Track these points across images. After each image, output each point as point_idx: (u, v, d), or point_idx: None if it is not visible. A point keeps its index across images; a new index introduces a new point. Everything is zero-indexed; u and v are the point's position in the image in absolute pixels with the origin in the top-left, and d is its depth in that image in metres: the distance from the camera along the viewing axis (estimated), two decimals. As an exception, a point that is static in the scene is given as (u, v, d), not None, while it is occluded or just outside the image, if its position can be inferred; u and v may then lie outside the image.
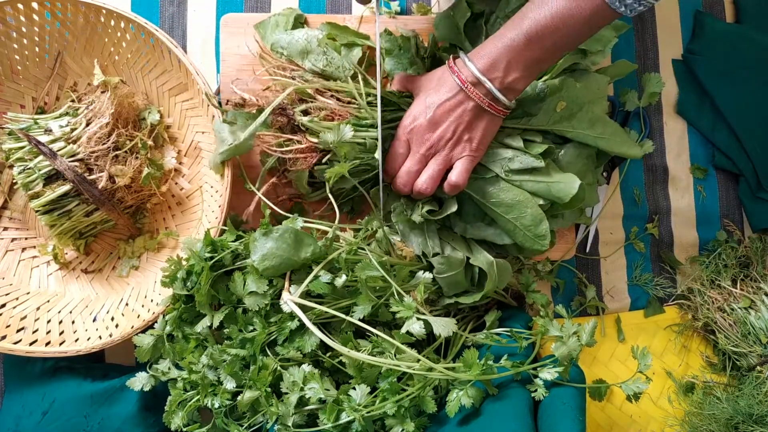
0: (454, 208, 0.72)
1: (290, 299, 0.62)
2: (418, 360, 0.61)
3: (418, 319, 0.61)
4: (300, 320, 0.63)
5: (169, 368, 0.69)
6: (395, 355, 0.62)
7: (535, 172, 0.70)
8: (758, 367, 0.77)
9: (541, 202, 0.70)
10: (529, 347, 0.68)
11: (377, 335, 0.62)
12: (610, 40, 0.77)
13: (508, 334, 0.69)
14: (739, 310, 0.80)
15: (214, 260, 0.65)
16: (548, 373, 0.63)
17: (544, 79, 0.73)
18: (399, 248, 0.74)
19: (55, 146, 0.72)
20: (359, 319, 0.63)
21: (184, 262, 0.68)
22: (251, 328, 0.65)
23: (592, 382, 0.77)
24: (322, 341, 0.65)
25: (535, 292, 0.78)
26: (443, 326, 0.61)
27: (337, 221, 0.68)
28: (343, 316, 0.63)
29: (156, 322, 0.70)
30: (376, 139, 0.69)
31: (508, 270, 0.74)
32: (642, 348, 0.66)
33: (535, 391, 0.64)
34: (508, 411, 0.62)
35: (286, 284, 0.64)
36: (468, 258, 0.73)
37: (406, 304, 0.62)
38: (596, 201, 0.81)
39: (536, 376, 0.64)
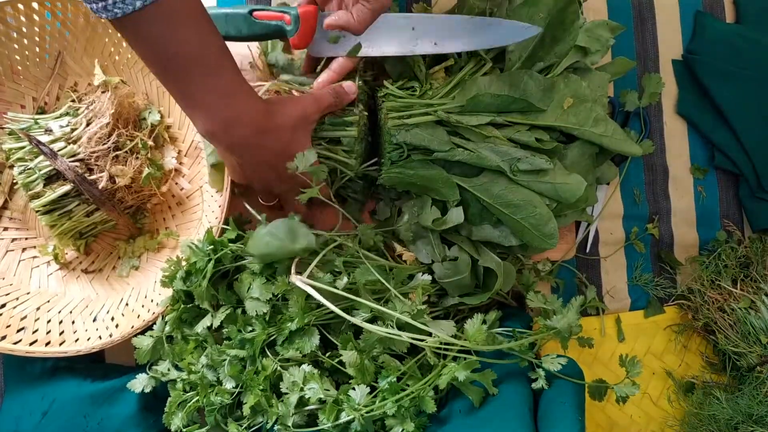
0: (461, 220, 0.72)
1: (299, 279, 0.62)
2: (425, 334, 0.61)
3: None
4: (299, 321, 0.63)
5: (169, 369, 0.69)
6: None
7: (542, 173, 0.70)
8: (758, 368, 0.77)
9: (547, 202, 0.71)
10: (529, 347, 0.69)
11: (381, 309, 0.62)
12: (608, 39, 0.78)
13: (509, 334, 0.69)
14: (739, 311, 0.80)
15: (214, 257, 0.65)
16: (551, 363, 0.63)
17: (549, 75, 0.73)
18: (399, 252, 0.74)
19: (55, 146, 0.72)
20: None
21: (183, 262, 0.68)
22: (250, 328, 0.65)
23: (592, 382, 0.78)
24: (321, 342, 0.65)
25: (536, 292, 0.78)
26: (443, 329, 0.62)
27: (339, 223, 0.67)
28: (345, 316, 0.63)
29: (156, 322, 0.70)
30: (355, 137, 0.69)
31: (513, 272, 0.74)
32: (631, 357, 0.67)
33: (536, 380, 0.64)
34: (508, 411, 0.62)
35: (293, 270, 0.64)
36: (476, 260, 0.73)
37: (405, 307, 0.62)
38: (595, 201, 0.81)
39: (539, 366, 0.64)
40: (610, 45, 0.78)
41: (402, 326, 0.61)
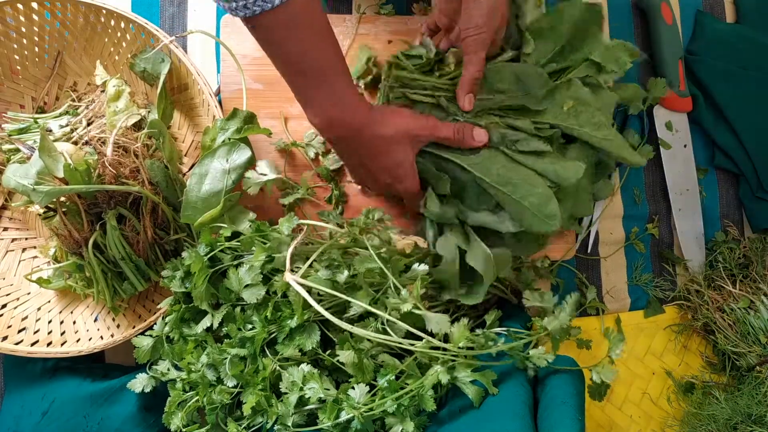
0: (437, 209, 0.73)
1: (293, 278, 0.62)
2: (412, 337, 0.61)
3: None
4: (299, 317, 0.63)
5: (168, 369, 0.69)
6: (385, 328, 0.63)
7: (541, 155, 0.70)
8: (757, 367, 0.77)
9: (548, 183, 0.69)
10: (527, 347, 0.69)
11: (370, 309, 0.63)
12: (625, 62, 0.77)
13: (506, 333, 0.69)
14: (738, 311, 0.80)
15: (209, 255, 0.65)
16: (538, 359, 0.63)
17: (558, 80, 0.73)
18: (397, 239, 0.74)
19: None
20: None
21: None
22: (250, 326, 0.66)
23: (592, 382, 0.77)
24: (321, 340, 0.65)
25: (534, 290, 0.78)
26: (437, 323, 0.61)
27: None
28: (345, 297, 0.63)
29: (157, 322, 0.70)
30: None
31: (507, 259, 0.72)
32: (616, 334, 0.66)
33: (528, 372, 0.65)
34: (508, 411, 0.62)
35: (288, 265, 0.64)
36: (465, 253, 0.72)
37: (402, 297, 0.62)
38: (590, 212, 0.81)
39: (527, 358, 0.65)
40: (627, 69, 0.77)
41: (396, 323, 0.61)
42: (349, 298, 0.63)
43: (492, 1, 0.67)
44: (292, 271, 0.63)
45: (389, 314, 0.61)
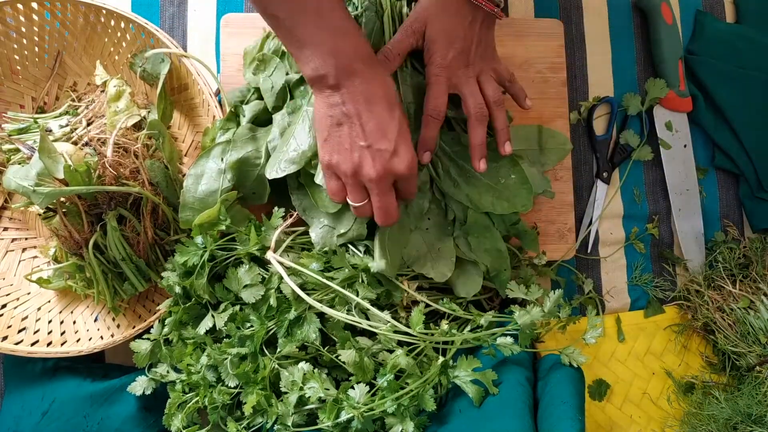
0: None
1: (273, 256, 0.64)
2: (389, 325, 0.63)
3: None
4: (296, 306, 0.64)
5: (168, 371, 0.70)
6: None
7: None
8: (757, 367, 0.77)
9: None
10: (529, 347, 0.68)
11: (343, 292, 0.64)
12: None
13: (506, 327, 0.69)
14: (738, 310, 0.80)
15: (209, 248, 0.66)
16: (502, 338, 0.64)
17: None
18: None
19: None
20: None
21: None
22: (249, 325, 0.66)
23: (592, 382, 0.78)
24: (321, 334, 0.65)
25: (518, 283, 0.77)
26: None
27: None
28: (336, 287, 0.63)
29: (154, 325, 0.70)
30: None
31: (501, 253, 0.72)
32: (594, 317, 0.66)
33: (531, 378, 0.66)
34: (508, 410, 0.62)
35: (272, 245, 0.66)
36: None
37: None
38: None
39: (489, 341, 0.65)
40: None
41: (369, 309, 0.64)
42: (323, 279, 0.64)
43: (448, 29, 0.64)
44: (274, 251, 0.66)
45: (361, 300, 0.64)
